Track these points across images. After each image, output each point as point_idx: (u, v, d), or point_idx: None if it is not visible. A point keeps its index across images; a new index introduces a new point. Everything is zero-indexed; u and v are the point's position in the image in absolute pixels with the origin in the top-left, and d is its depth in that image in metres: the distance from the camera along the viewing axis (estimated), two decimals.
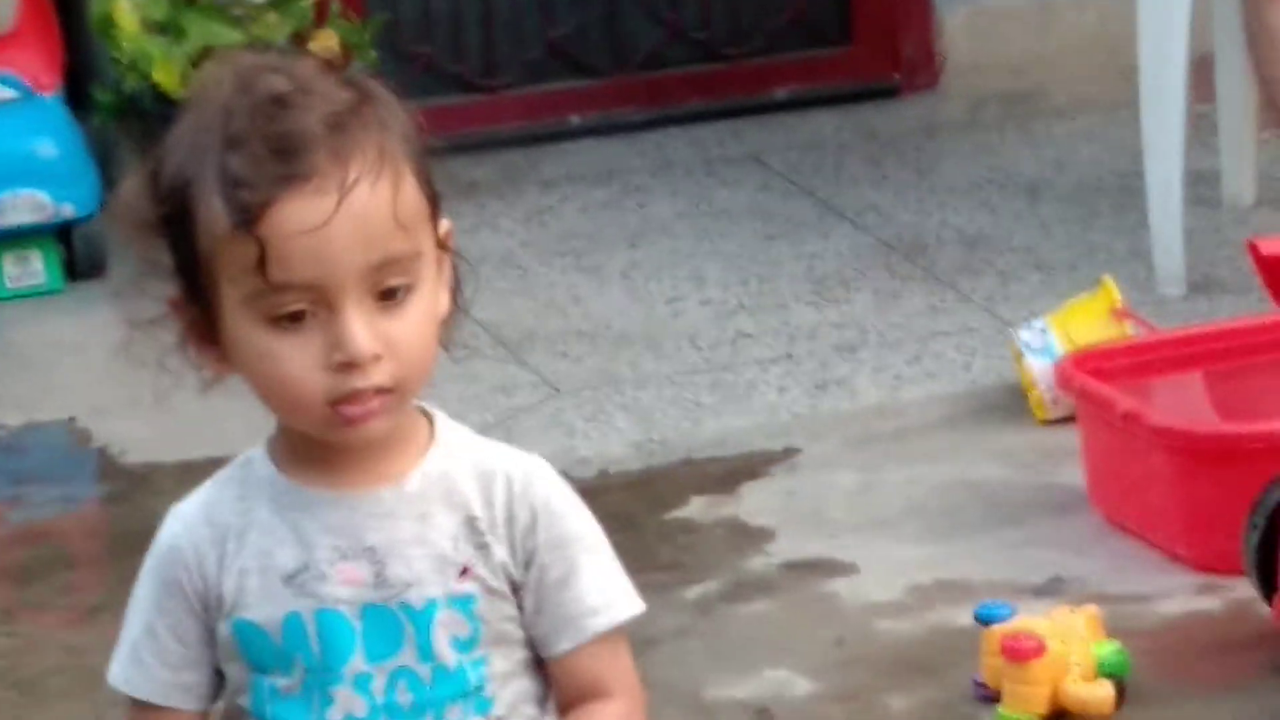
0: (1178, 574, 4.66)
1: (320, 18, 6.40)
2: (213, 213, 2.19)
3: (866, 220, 6.53)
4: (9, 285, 6.43)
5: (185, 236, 2.24)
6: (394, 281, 2.24)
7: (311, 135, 2.24)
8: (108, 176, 6.35)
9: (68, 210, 6.29)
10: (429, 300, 2.29)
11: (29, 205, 6.27)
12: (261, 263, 2.17)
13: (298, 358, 2.23)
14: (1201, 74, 6.03)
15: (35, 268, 6.43)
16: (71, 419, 5.67)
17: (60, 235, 6.44)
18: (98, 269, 6.36)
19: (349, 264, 2.23)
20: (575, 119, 7.02)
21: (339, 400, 2.25)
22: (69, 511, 5.39)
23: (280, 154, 2.24)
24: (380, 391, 2.27)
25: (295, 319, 2.22)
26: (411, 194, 2.30)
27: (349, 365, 2.21)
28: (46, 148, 6.35)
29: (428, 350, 2.31)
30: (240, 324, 2.25)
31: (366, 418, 2.27)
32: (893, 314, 5.86)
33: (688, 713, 4.32)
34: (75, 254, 6.45)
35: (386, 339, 2.25)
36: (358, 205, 2.21)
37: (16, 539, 5.28)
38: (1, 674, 4.59)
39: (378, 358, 2.25)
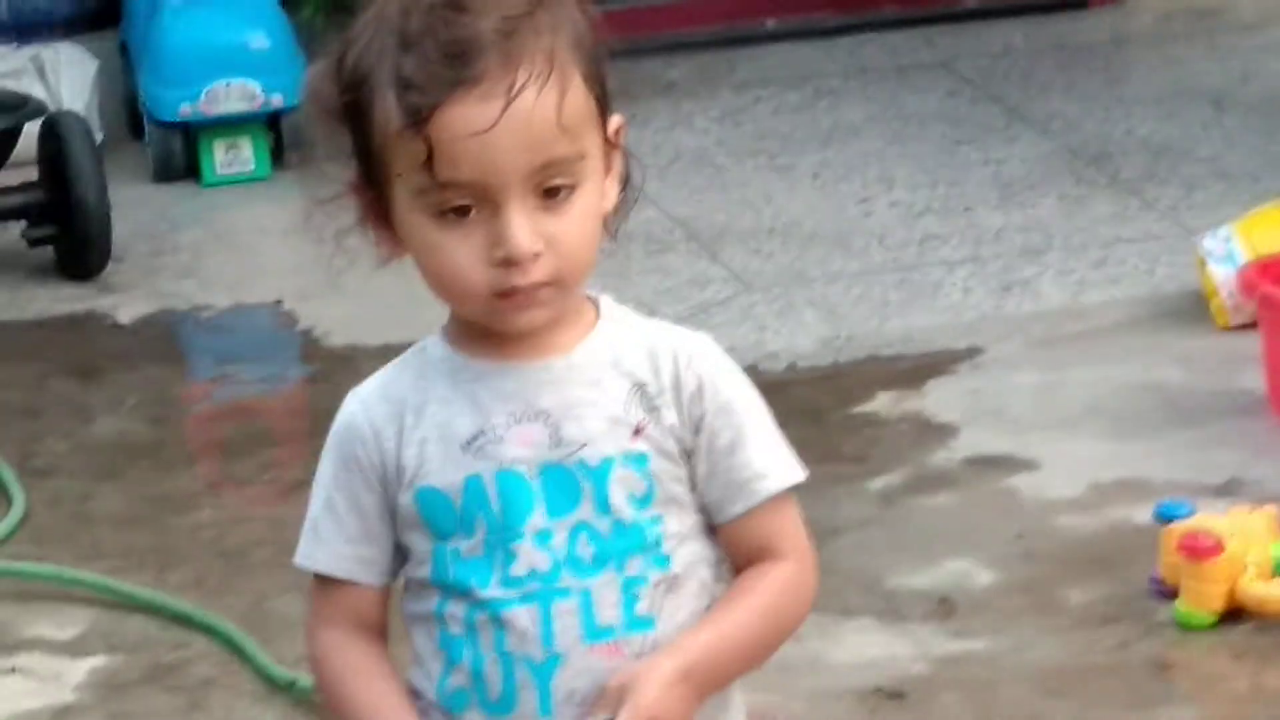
0: None
1: None
2: (386, 110, 2.21)
3: (1053, 128, 6.52)
4: (219, 171, 6.38)
5: (362, 127, 2.25)
6: (557, 181, 2.24)
7: (482, 40, 2.22)
8: (309, 77, 6.32)
9: (277, 100, 6.31)
10: (593, 197, 2.29)
11: (240, 94, 6.31)
12: (429, 161, 2.18)
13: (462, 250, 2.24)
14: None
15: (245, 155, 6.40)
16: (278, 301, 5.67)
17: (269, 124, 6.39)
18: (300, 160, 6.22)
19: (513, 166, 2.22)
20: (770, 23, 7.02)
21: (501, 293, 2.25)
22: (273, 390, 5.39)
23: (451, 58, 2.23)
24: (541, 285, 2.26)
25: (460, 213, 2.22)
26: (578, 98, 2.28)
27: (510, 261, 2.22)
28: (259, 39, 6.35)
29: (589, 245, 2.30)
30: (410, 215, 2.26)
31: (529, 306, 2.27)
32: (1078, 219, 5.80)
33: (870, 599, 4.27)
34: (283, 142, 6.42)
35: (548, 236, 2.25)
36: (523, 110, 2.20)
37: (222, 415, 5.27)
38: (209, 544, 4.62)
39: (537, 255, 2.24)
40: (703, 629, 2.36)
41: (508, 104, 2.18)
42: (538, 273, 2.23)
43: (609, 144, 2.32)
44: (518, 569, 2.31)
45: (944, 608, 4.26)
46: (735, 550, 2.36)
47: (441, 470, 2.31)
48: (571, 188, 2.25)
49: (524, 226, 2.22)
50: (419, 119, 2.18)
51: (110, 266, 5.87)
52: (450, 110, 2.18)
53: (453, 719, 2.38)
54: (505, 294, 2.24)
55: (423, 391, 2.37)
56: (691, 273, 5.59)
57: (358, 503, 2.36)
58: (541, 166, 2.22)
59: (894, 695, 4.05)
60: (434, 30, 2.23)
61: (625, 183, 2.35)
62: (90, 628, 4.39)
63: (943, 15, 7.07)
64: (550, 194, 2.24)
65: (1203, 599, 4.08)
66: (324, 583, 2.35)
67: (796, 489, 2.31)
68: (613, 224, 2.34)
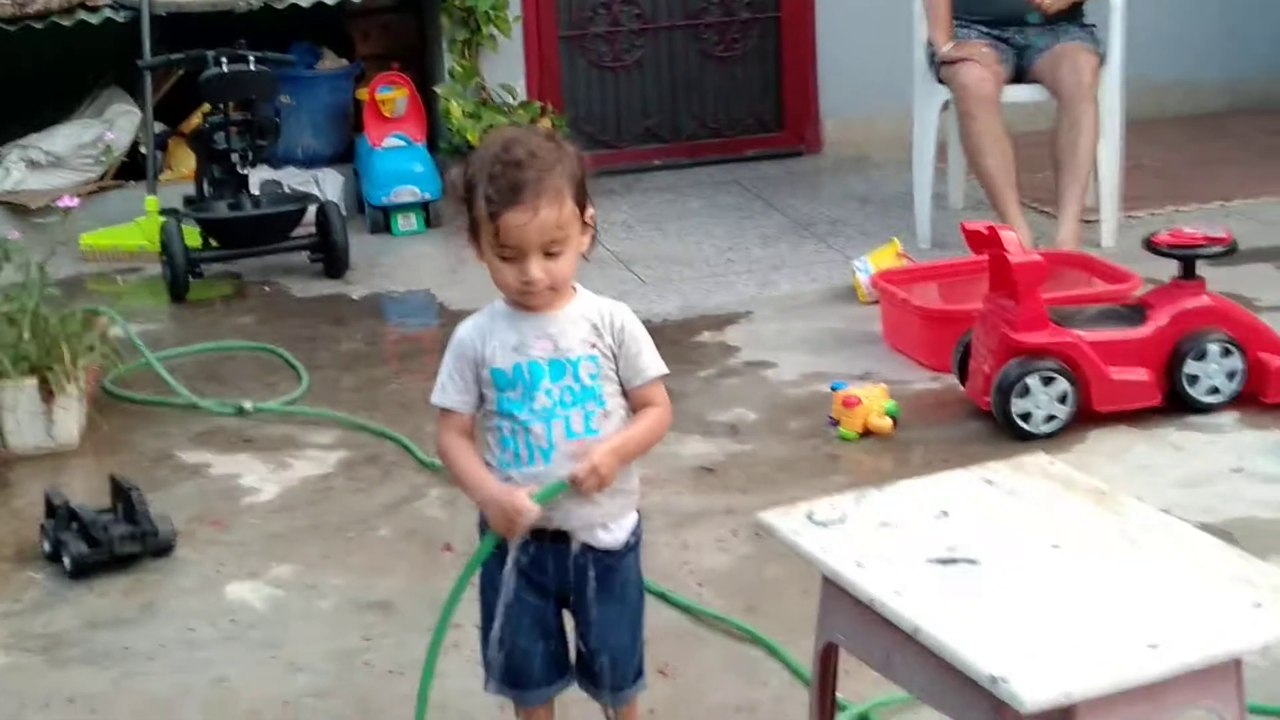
0: (922, 371, 4.82)
1: (543, 112, 6.45)
2: (480, 208, 2.51)
3: (787, 211, 6.59)
4: (399, 229, 6.50)
5: (470, 209, 2.55)
6: (553, 249, 2.52)
7: (525, 184, 2.49)
8: (444, 182, 6.38)
9: (428, 196, 6.48)
10: (572, 253, 2.56)
11: (410, 193, 6.46)
12: (496, 235, 2.50)
13: (509, 274, 2.54)
14: (941, 151, 6.08)
15: (413, 221, 6.51)
16: (427, 289, 5.85)
17: (424, 207, 6.49)
18: (439, 223, 6.53)
19: (533, 243, 2.50)
20: (657, 161, 7.22)
21: (522, 294, 2.56)
22: (424, 329, 5.63)
23: (510, 190, 2.49)
24: (544, 291, 2.55)
25: (508, 259, 2.53)
26: (567, 210, 2.52)
27: (528, 284, 2.53)
28: (419, 166, 6.47)
29: (569, 272, 2.57)
30: (488, 252, 2.56)
31: (537, 300, 2.57)
32: (797, 253, 5.99)
33: (697, 425, 4.50)
34: (429, 216, 6.52)
35: (547, 270, 2.53)
36: (539, 220, 2.49)
37: (402, 342, 5.56)
38: (394, 399, 4.82)
39: (542, 280, 2.53)
40: (621, 433, 2.61)
41: (534, 217, 2.48)
42: (541, 286, 2.54)
43: (585, 225, 2.57)
44: (536, 405, 2.58)
45: (732, 430, 4.52)
46: (634, 401, 2.66)
47: (502, 360, 2.59)
48: (561, 250, 2.53)
49: (538, 270, 2.52)
50: (494, 215, 2.49)
51: (348, 273, 5.97)
52: (507, 214, 2.49)
53: (502, 475, 2.61)
54: (524, 294, 2.56)
55: (493, 324, 2.62)
56: (619, 276, 5.77)
57: (463, 374, 2.62)
58: (546, 243, 2.51)
59: (707, 470, 4.27)
60: (505, 174, 2.49)
61: (594, 238, 2.62)
62: (338, 439, 4.58)
63: (736, 158, 7.24)
64: (549, 254, 2.52)
65: (851, 426, 4.39)
66: (445, 413, 2.63)
67: (664, 376, 2.66)
68: (589, 254, 2.63)
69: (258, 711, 3.26)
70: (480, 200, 2.53)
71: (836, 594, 2.21)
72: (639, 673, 2.83)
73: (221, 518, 4.16)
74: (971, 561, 2.16)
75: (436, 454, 2.74)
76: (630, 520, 2.73)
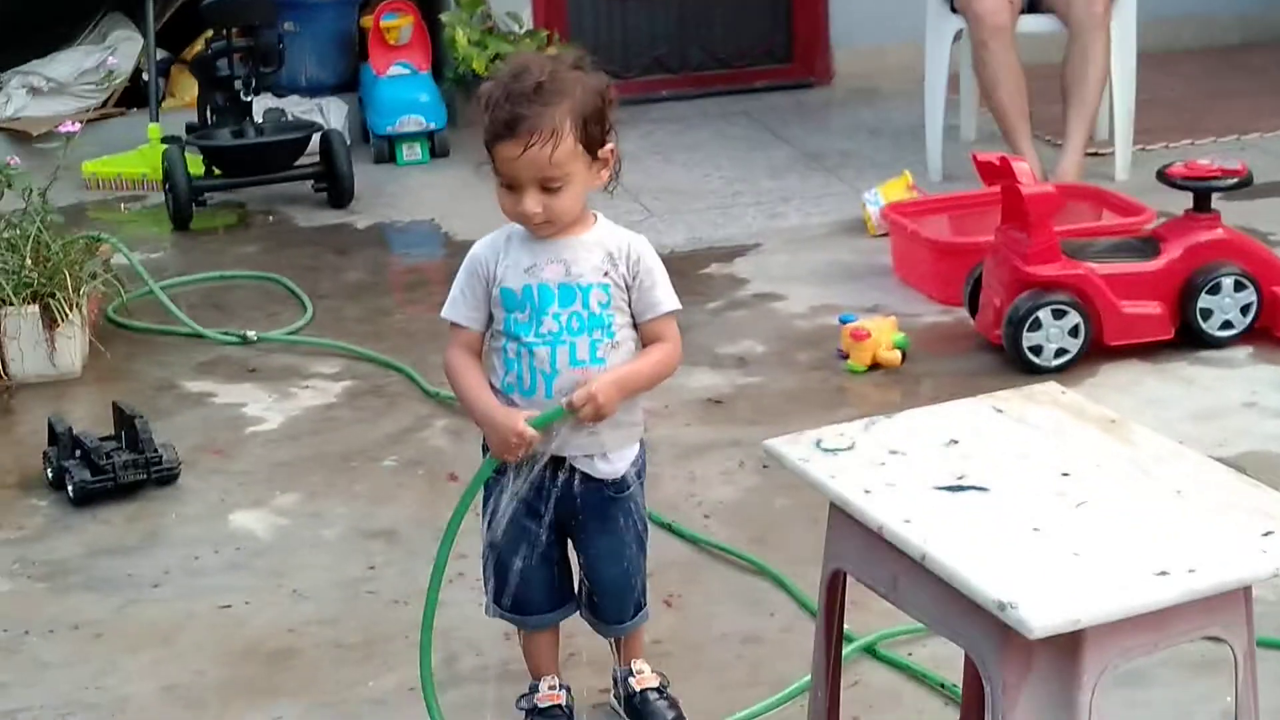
0: (931, 304, 4.80)
1: (549, 40, 6.35)
2: (484, 139, 2.55)
3: (795, 143, 6.57)
4: (404, 159, 6.45)
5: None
6: (551, 184, 2.53)
7: (517, 119, 2.50)
8: (450, 110, 6.55)
9: (432, 125, 6.45)
10: (576, 187, 2.56)
11: (415, 122, 6.43)
12: (494, 163, 2.55)
13: (510, 202, 2.57)
14: (953, 82, 6.02)
15: (417, 151, 6.47)
16: (432, 219, 5.84)
17: (429, 136, 6.45)
18: (445, 153, 6.47)
19: (525, 177, 2.52)
20: (664, 92, 7.17)
21: (520, 222, 2.60)
22: (429, 260, 5.62)
23: (505, 124, 2.51)
24: (542, 224, 2.57)
25: (511, 188, 2.55)
26: (566, 147, 2.51)
27: (523, 215, 2.56)
28: (424, 95, 6.46)
29: (570, 207, 2.56)
30: (498, 183, 2.58)
31: (538, 229, 2.58)
32: (806, 185, 5.98)
33: (707, 357, 4.49)
34: (435, 145, 6.46)
35: (545, 205, 2.54)
36: (529, 154, 2.50)
37: (407, 272, 5.55)
38: (399, 330, 4.81)
39: (538, 214, 2.54)
40: (627, 365, 2.61)
41: (522, 152, 2.50)
42: (538, 219, 2.55)
43: (598, 159, 2.57)
44: (543, 329, 2.60)
45: (740, 362, 4.51)
46: (644, 336, 2.66)
47: (512, 280, 2.61)
48: (560, 186, 2.53)
49: (532, 202, 2.53)
50: (489, 145, 2.54)
51: (352, 203, 5.92)
52: (499, 147, 2.53)
53: (505, 398, 2.63)
54: (523, 223, 2.59)
55: (507, 244, 2.64)
56: (626, 207, 5.53)
57: (475, 290, 2.64)
58: (542, 178, 2.52)
59: (716, 401, 4.26)
60: (504, 104, 2.51)
61: (616, 173, 2.63)
62: (343, 369, 4.57)
63: (745, 89, 7.18)
64: (547, 187, 2.53)
65: (859, 359, 4.38)
66: (455, 327, 2.66)
67: (676, 312, 2.67)
68: (611, 189, 2.65)
69: (262, 639, 3.28)
70: (485, 132, 2.55)
71: (844, 521, 2.20)
72: (639, 607, 2.85)
73: (225, 446, 4.17)
74: (980, 489, 2.15)
75: (443, 371, 2.76)
76: (631, 452, 2.74)
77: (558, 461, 2.68)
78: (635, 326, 2.67)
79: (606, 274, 2.64)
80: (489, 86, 2.58)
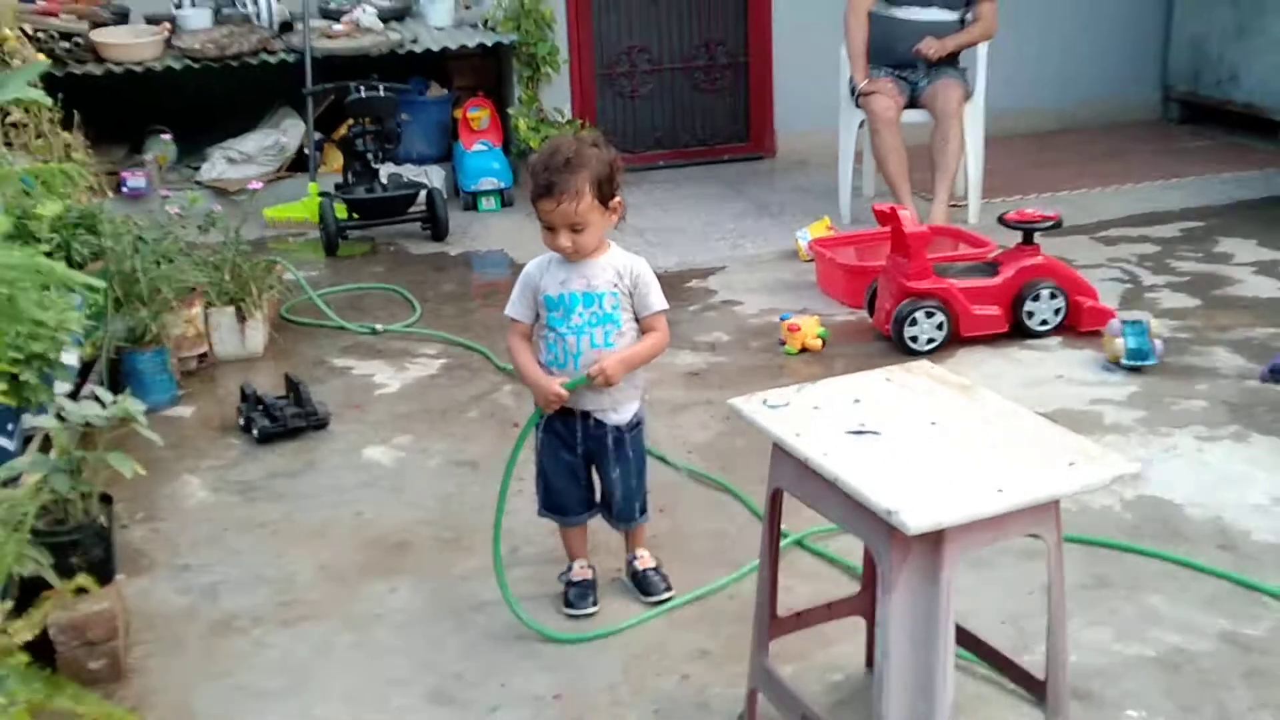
0: (844, 308, 4.68)
1: (582, 126, 6.29)
2: (530, 198, 2.56)
3: (749, 197, 6.38)
4: (483, 207, 6.28)
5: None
6: (577, 227, 2.52)
7: (554, 184, 2.49)
8: (515, 174, 6.35)
9: (503, 185, 6.29)
10: (596, 228, 2.54)
11: (491, 183, 6.28)
12: (538, 213, 2.54)
13: (549, 238, 2.56)
14: (858, 156, 5.84)
15: (492, 203, 6.29)
16: (501, 249, 5.65)
17: (500, 193, 6.28)
18: (510, 204, 6.29)
19: (560, 222, 2.52)
20: (661, 163, 7.00)
21: (554, 250, 2.57)
22: (500, 277, 5.34)
23: (545, 188, 2.50)
24: (571, 254, 2.56)
25: (550, 229, 2.55)
26: (586, 203, 2.48)
27: (559, 248, 2.55)
28: (497, 164, 6.31)
29: (591, 242, 2.54)
30: (541, 225, 2.57)
31: (569, 258, 2.57)
32: (758, 225, 5.76)
33: (686, 344, 4.41)
34: (505, 199, 6.28)
35: (573, 240, 2.53)
36: (560, 209, 2.50)
37: (484, 285, 5.25)
38: (479, 323, 4.68)
39: (568, 247, 2.54)
40: (629, 349, 2.59)
41: (556, 207, 2.50)
42: (569, 250, 2.54)
43: (610, 210, 2.53)
44: (572, 323, 2.59)
45: (711, 347, 4.39)
46: (643, 327, 2.64)
47: (551, 289, 2.60)
48: (583, 228, 2.52)
49: (565, 240, 2.52)
50: (534, 201, 2.53)
51: (447, 237, 5.76)
52: (540, 203, 2.52)
53: (546, 369, 2.62)
54: (559, 252, 2.56)
55: (549, 265, 2.62)
56: (634, 241, 5.44)
57: (526, 297, 2.63)
58: (569, 224, 2.51)
59: (695, 374, 4.15)
60: (543, 174, 2.50)
61: (622, 216, 2.60)
62: (440, 350, 4.45)
63: (716, 161, 7.02)
64: (574, 230, 2.52)
65: (793, 345, 4.29)
66: (513, 321, 2.65)
67: (665, 311, 2.65)
68: (618, 226, 2.60)
69: (385, 535, 3.27)
70: (530, 192, 2.54)
71: (782, 455, 2.19)
72: (643, 509, 2.84)
73: (361, 403, 4.11)
74: (875, 433, 2.13)
75: (506, 351, 2.74)
76: (634, 406, 2.74)
77: (585, 414, 2.67)
78: (637, 320, 2.64)
79: (615, 285, 2.61)
80: (533, 160, 2.54)
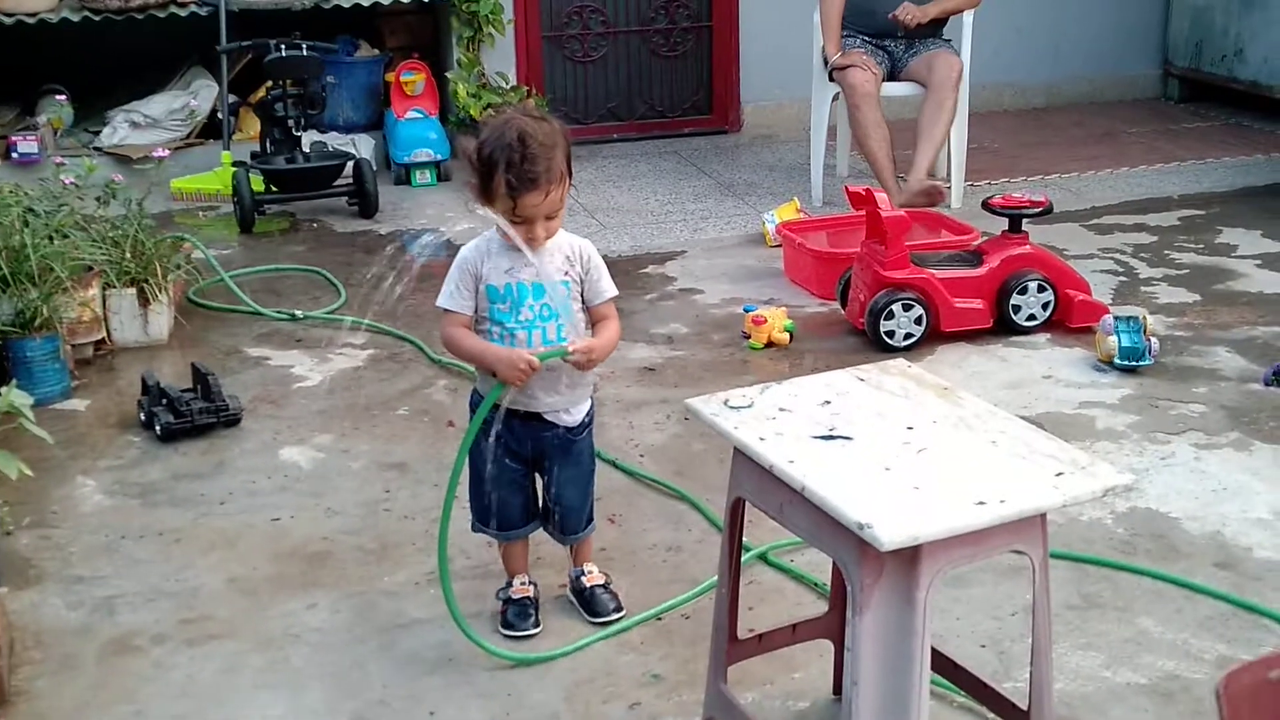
0: (813, 299, 4.71)
1: (528, 94, 6.34)
2: (500, 185, 2.46)
3: (713, 175, 6.43)
4: (417, 181, 6.29)
5: (486, 177, 2.48)
6: (552, 216, 2.51)
7: (537, 175, 2.44)
8: (452, 145, 6.31)
9: (439, 157, 6.30)
10: (562, 214, 2.55)
11: (425, 154, 6.29)
12: (514, 208, 2.47)
13: (522, 232, 2.48)
14: (831, 132, 5.90)
15: (427, 176, 6.30)
16: (436, 228, 5.63)
17: (436, 165, 6.29)
18: (447, 178, 6.32)
19: (538, 214, 2.49)
20: (615, 135, 7.07)
21: (526, 244, 2.50)
22: (435, 259, 5.30)
23: (526, 180, 2.44)
24: (543, 241, 2.51)
25: (518, 222, 2.49)
26: (566, 184, 2.49)
27: (532, 239, 2.50)
28: (433, 134, 6.31)
29: (558, 228, 2.56)
30: (501, 212, 2.50)
31: (537, 245, 2.52)
32: (721, 207, 5.83)
33: (642, 336, 4.45)
34: (440, 172, 6.31)
35: (547, 229, 2.52)
36: (549, 200, 2.48)
37: (417, 269, 5.19)
38: (411, 309, 4.66)
39: (543, 236, 2.51)
40: (603, 337, 2.58)
41: (545, 199, 2.47)
42: (540, 241, 2.51)
43: (570, 183, 2.53)
44: (521, 317, 2.56)
45: (669, 340, 4.40)
46: (594, 315, 2.63)
47: (495, 279, 2.56)
48: (556, 215, 2.52)
49: (541, 230, 2.50)
50: (514, 196, 2.45)
51: (377, 214, 5.77)
52: (525, 197, 2.46)
53: (488, 370, 2.56)
54: (528, 244, 2.50)
55: (489, 249, 2.57)
56: (585, 222, 5.61)
57: (465, 285, 2.57)
58: (548, 213, 2.49)
59: (650, 369, 4.16)
60: (523, 164, 2.43)
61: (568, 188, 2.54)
62: (368, 340, 4.44)
63: (675, 134, 7.08)
64: (549, 218, 2.50)
65: (758, 339, 4.31)
66: (449, 312, 2.60)
67: (616, 297, 2.65)
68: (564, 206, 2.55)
69: (303, 545, 3.24)
70: (501, 181, 2.45)
71: (744, 461, 2.18)
72: (589, 520, 2.84)
73: (277, 398, 4.10)
74: (846, 438, 2.13)
75: (444, 350, 2.70)
76: (586, 406, 2.73)
77: (531, 415, 2.65)
78: (586, 309, 2.63)
79: (567, 273, 2.59)
80: (490, 149, 2.47)
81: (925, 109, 5.57)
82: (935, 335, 4.37)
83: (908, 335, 4.32)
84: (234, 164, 5.90)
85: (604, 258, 2.69)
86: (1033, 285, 4.39)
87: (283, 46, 5.71)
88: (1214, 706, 2.46)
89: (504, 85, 6.59)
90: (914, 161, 5.52)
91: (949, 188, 5.87)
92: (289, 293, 5.00)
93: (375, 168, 6.06)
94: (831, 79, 5.74)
